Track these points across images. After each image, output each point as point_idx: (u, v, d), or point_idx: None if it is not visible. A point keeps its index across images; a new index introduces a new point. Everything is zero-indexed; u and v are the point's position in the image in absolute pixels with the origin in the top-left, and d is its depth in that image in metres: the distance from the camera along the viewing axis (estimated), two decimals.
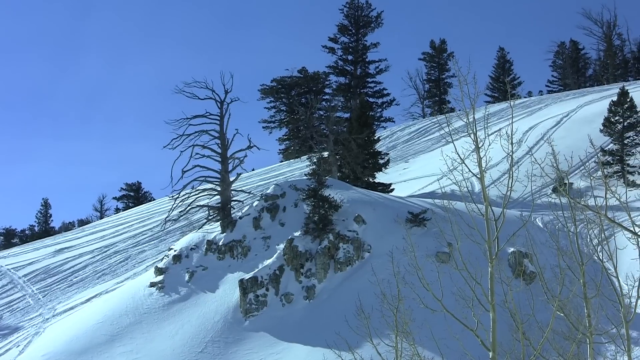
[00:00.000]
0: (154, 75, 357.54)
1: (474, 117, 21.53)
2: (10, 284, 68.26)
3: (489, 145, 21.43)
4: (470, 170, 21.86)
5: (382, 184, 59.34)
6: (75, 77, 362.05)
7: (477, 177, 21.71)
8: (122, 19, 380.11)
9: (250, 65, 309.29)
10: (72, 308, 56.89)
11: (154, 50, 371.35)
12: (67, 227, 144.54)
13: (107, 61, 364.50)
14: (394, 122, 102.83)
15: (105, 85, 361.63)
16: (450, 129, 22.94)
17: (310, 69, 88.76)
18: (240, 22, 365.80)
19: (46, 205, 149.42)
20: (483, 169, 21.44)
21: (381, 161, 61.19)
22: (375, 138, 63.91)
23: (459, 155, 21.95)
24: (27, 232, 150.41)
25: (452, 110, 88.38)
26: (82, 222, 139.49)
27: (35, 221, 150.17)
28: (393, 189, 59.51)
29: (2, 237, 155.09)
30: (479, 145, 21.44)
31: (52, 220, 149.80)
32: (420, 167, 75.27)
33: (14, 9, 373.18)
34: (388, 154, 66.69)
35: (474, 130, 21.40)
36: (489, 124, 22.40)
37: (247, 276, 43.96)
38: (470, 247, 22.47)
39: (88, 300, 57.49)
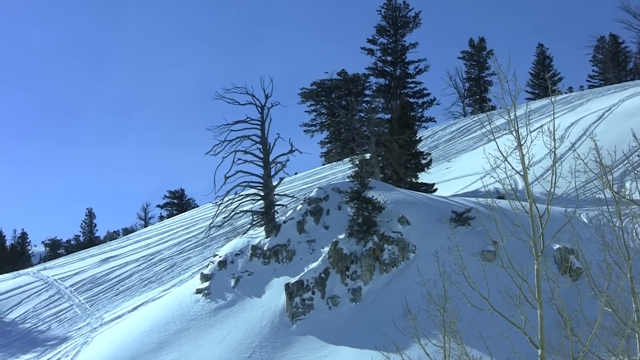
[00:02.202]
0: (188, 81, 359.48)
1: (515, 114, 21.45)
2: (58, 295, 68.77)
3: (532, 142, 21.34)
4: (513, 168, 21.79)
5: (425, 184, 59.20)
6: (109, 85, 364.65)
7: (521, 174, 21.62)
8: (154, 26, 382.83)
9: (288, 70, 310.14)
10: (119, 317, 57.25)
11: (188, 57, 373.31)
12: (112, 236, 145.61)
13: (141, 68, 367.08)
14: (435, 121, 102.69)
15: (140, 93, 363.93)
16: (492, 126, 22.85)
17: (350, 71, 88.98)
18: (275, 27, 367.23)
19: (90, 215, 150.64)
20: (526, 166, 21.35)
21: (423, 161, 61.05)
22: (417, 138, 63.82)
23: (501, 153, 21.87)
24: (72, 242, 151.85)
25: (493, 108, 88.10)
26: (127, 231, 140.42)
27: (80, 231, 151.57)
28: (436, 189, 59.35)
29: (48, 248, 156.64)
30: (522, 143, 21.35)
31: (96, 229, 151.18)
32: (462, 166, 74.99)
33: (46, 19, 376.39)
34: (430, 153, 66.56)
35: (516, 127, 21.33)
36: (530, 121, 22.20)
37: (292, 280, 43.99)
38: (516, 244, 22.37)
39: (135, 308, 57.82)
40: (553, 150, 21.46)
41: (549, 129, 21.42)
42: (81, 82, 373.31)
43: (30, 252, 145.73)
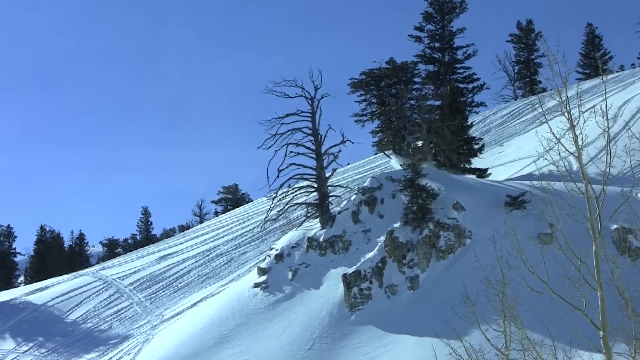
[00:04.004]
0: (236, 77, 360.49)
1: (566, 96, 21.32)
2: (117, 294, 69.44)
3: (584, 122, 21.21)
4: (567, 149, 21.67)
5: (479, 169, 58.83)
6: (158, 86, 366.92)
7: (575, 155, 21.50)
8: (199, 24, 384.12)
9: (336, 61, 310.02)
10: (179, 313, 57.69)
11: (235, 53, 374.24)
12: (168, 234, 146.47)
13: (188, 67, 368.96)
14: (485, 106, 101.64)
15: (189, 91, 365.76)
16: (544, 109, 22.74)
17: (398, 59, 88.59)
18: (321, 18, 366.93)
19: (146, 213, 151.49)
20: (580, 147, 21.23)
21: (476, 146, 60.64)
22: (469, 124, 63.42)
23: (554, 135, 21.75)
24: (129, 241, 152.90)
25: (544, 90, 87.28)
26: (183, 228, 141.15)
27: (136, 230, 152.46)
28: (490, 174, 58.98)
29: (105, 248, 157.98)
30: (574, 124, 21.22)
31: (153, 228, 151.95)
32: (515, 149, 74.51)
33: (94, 23, 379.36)
34: (482, 138, 66.13)
35: (568, 108, 21.20)
36: (582, 102, 22.09)
37: (350, 270, 44.03)
38: (573, 226, 22.27)
39: (194, 304, 58.23)
40: (606, 129, 21.32)
41: (601, 108, 21.29)
42: (130, 83, 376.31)
43: (88, 252, 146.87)
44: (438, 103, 73.15)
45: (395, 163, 58.63)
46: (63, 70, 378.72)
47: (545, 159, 24.78)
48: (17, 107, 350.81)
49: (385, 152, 58.34)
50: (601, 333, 20.83)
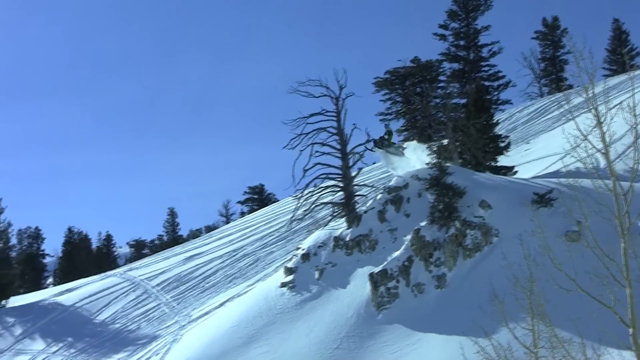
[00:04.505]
0: (260, 77, 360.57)
1: (593, 92, 21.26)
2: (145, 294, 69.75)
3: (612, 119, 21.14)
4: (594, 146, 21.60)
5: (505, 167, 58.67)
6: (182, 86, 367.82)
7: (602, 152, 21.43)
8: (223, 24, 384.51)
9: (360, 60, 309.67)
10: (206, 313, 57.88)
11: (259, 53, 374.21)
12: (194, 234, 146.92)
13: (212, 67, 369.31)
14: (511, 104, 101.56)
15: (213, 91, 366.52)
16: (570, 106, 22.67)
17: (423, 58, 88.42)
18: (345, 18, 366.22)
19: (172, 214, 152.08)
20: (607, 143, 21.15)
21: (502, 144, 60.45)
22: (494, 121, 63.27)
23: (581, 132, 21.70)
24: (156, 242, 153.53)
25: (570, 87, 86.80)
26: (209, 228, 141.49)
27: (163, 231, 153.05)
28: (516, 171, 58.80)
29: (132, 249, 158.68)
30: (601, 120, 21.15)
31: (179, 228, 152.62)
32: (542, 147, 74.17)
33: (117, 22, 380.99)
34: (508, 136, 65.87)
35: (595, 105, 21.13)
36: (609, 98, 22.04)
37: (376, 269, 44.02)
38: (600, 224, 22.18)
39: (221, 304, 58.41)
40: (634, 126, 21.23)
41: (628, 105, 21.20)
42: (154, 85, 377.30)
43: (115, 253, 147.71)
44: (463, 101, 73.11)
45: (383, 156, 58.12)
46: (88, 74, 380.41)
47: (572, 156, 24.81)
48: (45, 111, 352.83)
49: (374, 148, 58.17)
50: (630, 330, 20.76)
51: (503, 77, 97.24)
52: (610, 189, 21.16)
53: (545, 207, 43.28)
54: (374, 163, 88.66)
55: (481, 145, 57.06)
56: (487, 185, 47.15)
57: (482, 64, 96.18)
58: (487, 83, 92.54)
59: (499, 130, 66.76)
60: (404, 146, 55.74)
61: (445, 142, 58.20)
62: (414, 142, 57.25)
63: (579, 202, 22.57)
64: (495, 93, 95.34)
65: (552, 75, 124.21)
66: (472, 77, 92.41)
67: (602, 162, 22.64)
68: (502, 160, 59.18)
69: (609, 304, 21.06)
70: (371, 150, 55.66)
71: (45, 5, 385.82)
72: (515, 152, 71.37)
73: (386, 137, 56.17)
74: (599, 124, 21.03)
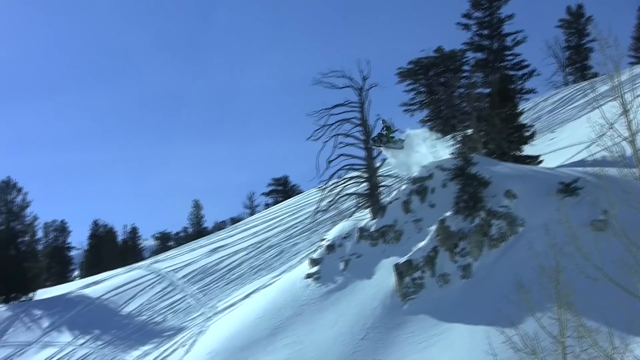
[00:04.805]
0: (283, 70, 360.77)
1: (619, 80, 21.12)
2: (171, 286, 70.00)
3: (638, 107, 21.01)
4: (620, 135, 21.47)
5: (530, 156, 58.42)
6: (205, 80, 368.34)
7: (628, 140, 21.30)
8: (244, 18, 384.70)
9: (383, 51, 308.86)
10: (232, 305, 58.01)
11: (281, 46, 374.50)
12: (219, 226, 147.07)
13: (234, 60, 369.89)
14: (536, 93, 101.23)
15: (235, 85, 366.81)
16: (595, 94, 22.56)
17: (446, 48, 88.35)
18: (367, 9, 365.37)
19: (197, 206, 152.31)
20: (633, 131, 21.03)
21: (526, 134, 60.21)
22: (519, 111, 62.95)
23: (606, 120, 21.58)
24: (181, 234, 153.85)
25: (596, 75, 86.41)
26: (234, 220, 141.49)
27: (188, 223, 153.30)
28: (541, 161, 58.54)
29: (158, 241, 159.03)
30: (627, 108, 21.03)
31: (204, 220, 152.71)
32: (567, 136, 73.78)
33: (139, 18, 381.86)
34: (533, 125, 65.61)
35: (621, 93, 21.01)
36: (635, 86, 21.92)
37: (401, 260, 43.98)
38: (627, 212, 22.07)
39: (247, 296, 58.53)
40: None
41: None
42: (177, 78, 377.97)
43: (141, 246, 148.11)
44: (487, 91, 72.78)
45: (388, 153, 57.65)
46: (113, 68, 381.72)
47: (598, 144, 24.61)
48: (70, 105, 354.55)
49: (373, 145, 58.04)
50: None
51: (527, 66, 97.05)
52: (637, 177, 21.05)
53: (571, 196, 43.02)
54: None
55: (506, 134, 56.85)
56: (512, 175, 46.94)
57: (506, 53, 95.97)
58: (511, 72, 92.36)
59: (524, 119, 66.40)
60: (403, 138, 55.46)
61: (469, 132, 58.08)
62: (415, 132, 56.85)
63: (605, 191, 22.46)
64: (520, 82, 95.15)
65: (577, 64, 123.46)
66: (496, 67, 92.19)
67: (628, 151, 22.50)
68: (527, 150, 58.93)
69: (637, 292, 20.96)
70: (370, 147, 55.55)
71: None
72: (540, 141, 71.01)
73: (384, 132, 56.03)
74: (625, 112, 20.91)
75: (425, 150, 54.13)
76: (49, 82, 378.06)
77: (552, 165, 55.98)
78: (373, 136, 55.37)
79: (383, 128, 56.05)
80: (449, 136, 59.83)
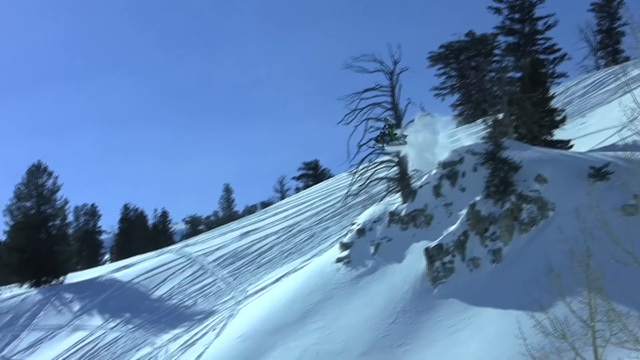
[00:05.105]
0: (313, 55, 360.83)
1: None
2: (201, 270, 70.32)
3: None
4: None
5: (561, 140, 58.21)
6: (236, 65, 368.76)
7: None
8: (275, 2, 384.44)
9: (413, 35, 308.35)
10: (262, 289, 58.23)
11: (310, 31, 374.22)
12: (250, 210, 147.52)
13: (265, 45, 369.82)
14: (567, 77, 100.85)
15: (266, 69, 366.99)
16: (627, 78, 22.54)
17: (478, 32, 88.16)
18: None
19: (228, 190, 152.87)
20: None
21: (558, 118, 59.97)
22: (550, 95, 62.68)
23: (638, 105, 21.55)
24: (212, 218, 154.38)
25: (627, 59, 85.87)
26: (265, 204, 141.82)
27: (218, 207, 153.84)
28: (572, 145, 58.34)
29: (188, 225, 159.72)
30: None
31: (235, 204, 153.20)
32: (598, 120, 73.39)
33: (169, 6, 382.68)
34: (564, 110, 65.31)
35: None
36: None
37: (432, 244, 44.00)
38: None
39: (277, 280, 58.71)
40: None
41: None
42: (208, 64, 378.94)
43: (171, 230, 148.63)
44: (518, 75, 72.56)
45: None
46: (145, 52, 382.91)
47: (630, 129, 24.57)
48: (101, 90, 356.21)
49: (375, 145, 58.02)
50: None
51: (559, 50, 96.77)
52: None
53: (601, 180, 42.85)
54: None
55: (537, 119, 56.67)
56: (542, 159, 46.78)
57: (538, 37, 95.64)
58: (542, 56, 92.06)
59: (555, 103, 66.12)
60: (405, 134, 55.32)
61: (500, 116, 57.94)
62: (418, 122, 56.50)
63: (636, 175, 22.46)
64: (551, 66, 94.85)
65: (609, 48, 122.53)
66: (527, 51, 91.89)
67: None
68: (558, 134, 58.74)
69: None
70: (372, 147, 55.61)
71: None
72: (571, 125, 70.74)
73: (387, 131, 56.06)
74: None
75: (440, 139, 53.77)
76: (82, 66, 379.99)
77: (582, 150, 55.78)
78: (376, 136, 55.46)
79: (385, 127, 56.17)
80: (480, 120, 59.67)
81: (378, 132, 55.14)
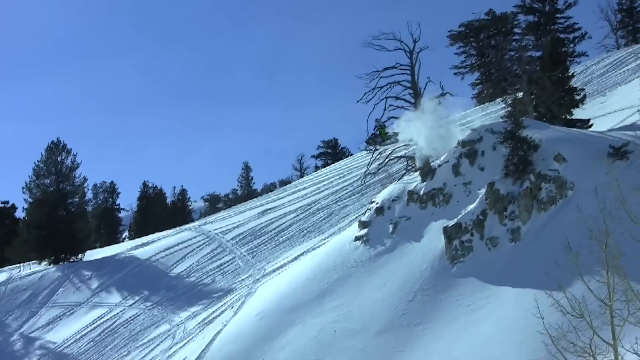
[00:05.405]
0: (332, 34, 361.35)
1: None
2: (220, 248, 70.55)
3: None
4: None
5: (580, 120, 58.15)
6: (254, 44, 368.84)
7: None
8: None
9: (433, 13, 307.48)
10: (280, 267, 58.44)
11: (328, 9, 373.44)
12: (269, 189, 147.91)
13: (284, 24, 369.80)
14: (587, 56, 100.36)
15: (285, 49, 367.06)
16: None
17: (498, 11, 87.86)
18: None
19: (247, 168, 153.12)
20: None
21: (577, 97, 59.90)
22: (570, 74, 62.57)
23: None
24: (230, 196, 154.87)
25: None
26: (283, 183, 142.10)
27: (237, 185, 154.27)
28: (592, 124, 58.26)
29: (207, 203, 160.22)
30: None
31: (253, 183, 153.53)
32: (618, 99, 73.16)
33: None
34: (584, 89, 65.18)
35: None
36: None
37: (450, 223, 44.00)
38: None
39: (295, 258, 58.89)
40: None
41: None
42: (227, 43, 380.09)
43: (190, 208, 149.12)
44: (538, 54, 72.37)
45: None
46: (164, 32, 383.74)
47: None
48: (121, 68, 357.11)
49: (367, 147, 58.30)
50: None
51: (579, 29, 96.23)
52: None
53: (621, 160, 42.70)
54: (447, 117, 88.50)
55: (556, 98, 56.62)
56: (562, 138, 46.67)
57: (558, 16, 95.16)
58: (562, 35, 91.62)
59: (575, 83, 66.01)
60: (397, 131, 55.33)
61: (520, 95, 57.82)
62: (406, 117, 56.33)
63: None
64: (571, 45, 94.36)
65: (629, 27, 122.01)
66: (547, 30, 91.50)
67: None
68: (578, 113, 58.66)
69: None
70: (364, 150, 55.90)
71: None
72: (591, 104, 70.58)
73: (379, 132, 56.22)
74: None
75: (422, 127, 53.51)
76: (98, 46, 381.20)
77: (602, 129, 55.65)
78: (367, 138, 55.78)
79: (376, 128, 56.39)
80: (500, 99, 59.43)
81: (370, 134, 55.63)
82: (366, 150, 59.37)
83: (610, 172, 33.88)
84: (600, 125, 58.92)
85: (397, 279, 43.49)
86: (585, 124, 57.49)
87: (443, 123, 53.31)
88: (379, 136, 57.80)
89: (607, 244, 24.22)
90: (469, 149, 48.75)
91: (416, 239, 46.15)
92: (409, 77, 55.23)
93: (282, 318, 44.86)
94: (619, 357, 24.22)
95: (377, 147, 56.15)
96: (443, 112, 54.74)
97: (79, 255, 79.43)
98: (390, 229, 48.23)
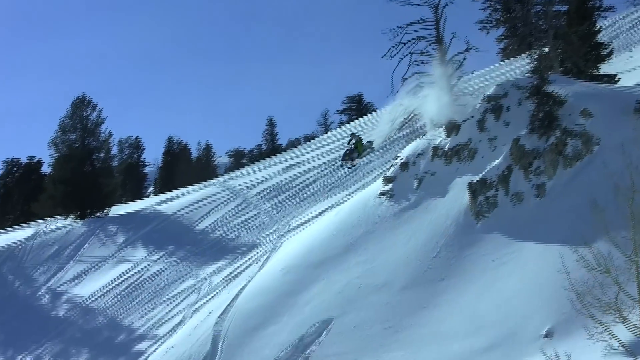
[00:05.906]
0: None
1: None
2: (244, 203, 70.63)
3: None
4: None
5: (607, 75, 57.67)
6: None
7: None
8: None
9: None
10: (305, 222, 58.46)
11: None
12: (293, 144, 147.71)
13: None
14: (614, 10, 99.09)
15: (309, 2, 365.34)
16: None
17: None
18: None
19: (271, 124, 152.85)
20: None
21: (604, 52, 59.38)
22: (597, 29, 61.95)
23: None
24: (255, 151, 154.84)
25: None
26: (308, 138, 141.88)
27: (262, 140, 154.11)
28: (619, 79, 57.78)
29: (232, 159, 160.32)
30: None
31: (278, 138, 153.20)
32: None
33: None
34: (611, 44, 64.60)
35: None
36: None
37: (475, 179, 43.86)
38: None
39: (320, 213, 58.87)
40: None
41: None
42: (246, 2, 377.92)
43: (215, 163, 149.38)
44: (565, 8, 71.56)
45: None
46: None
47: None
48: (145, 24, 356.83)
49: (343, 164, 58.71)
50: None
51: None
52: None
53: None
54: (473, 72, 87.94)
55: (583, 53, 56.13)
56: (588, 93, 46.32)
57: None
58: None
59: (602, 37, 65.37)
60: (372, 139, 55.26)
61: (546, 50, 57.38)
62: (383, 119, 56.13)
63: None
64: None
65: None
66: None
67: None
68: (604, 69, 58.16)
69: None
70: (340, 166, 56.05)
71: None
72: (618, 59, 69.96)
73: (354, 147, 56.15)
74: None
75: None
76: (125, 1, 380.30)
77: (629, 84, 55.22)
78: (343, 156, 55.86)
79: (350, 141, 56.42)
80: (525, 54, 59.00)
81: (346, 150, 55.83)
82: (343, 165, 61.16)
83: (637, 127, 33.67)
84: (627, 80, 58.44)
85: (421, 234, 43.46)
86: (612, 79, 57.04)
87: (455, 93, 52.98)
88: (355, 150, 58.01)
89: (633, 200, 24.16)
90: (494, 104, 48.44)
91: (441, 194, 46.03)
92: (434, 32, 54.80)
93: (307, 273, 44.96)
94: None
95: (354, 162, 56.36)
96: (456, 78, 54.51)
97: (105, 211, 79.61)
98: (415, 185, 48.11)
